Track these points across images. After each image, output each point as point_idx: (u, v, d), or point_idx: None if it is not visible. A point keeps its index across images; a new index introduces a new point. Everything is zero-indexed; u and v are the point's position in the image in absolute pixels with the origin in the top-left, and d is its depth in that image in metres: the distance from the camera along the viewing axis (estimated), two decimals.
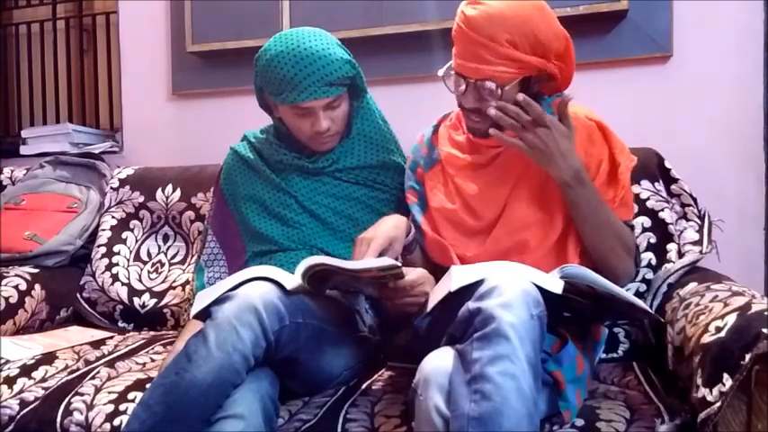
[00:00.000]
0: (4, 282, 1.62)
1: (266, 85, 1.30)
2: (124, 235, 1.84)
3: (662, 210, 1.44)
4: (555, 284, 0.98)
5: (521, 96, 1.12)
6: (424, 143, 1.38)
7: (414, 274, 1.13)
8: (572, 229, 1.21)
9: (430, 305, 1.07)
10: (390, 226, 1.19)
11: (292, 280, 1.08)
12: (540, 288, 0.95)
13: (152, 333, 1.68)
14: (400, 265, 1.06)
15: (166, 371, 1.00)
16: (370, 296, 1.23)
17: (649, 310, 1.11)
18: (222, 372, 0.97)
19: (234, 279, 1.09)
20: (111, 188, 1.90)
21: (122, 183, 1.89)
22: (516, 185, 1.24)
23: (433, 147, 1.36)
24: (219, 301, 1.04)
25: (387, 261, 1.05)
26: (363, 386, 1.23)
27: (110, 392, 1.19)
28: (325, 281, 1.13)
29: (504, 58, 1.13)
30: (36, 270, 1.74)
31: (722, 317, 0.98)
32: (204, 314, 1.06)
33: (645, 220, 1.43)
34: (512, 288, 0.91)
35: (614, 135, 1.26)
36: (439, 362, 0.94)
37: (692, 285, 1.24)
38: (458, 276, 0.98)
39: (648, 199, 1.45)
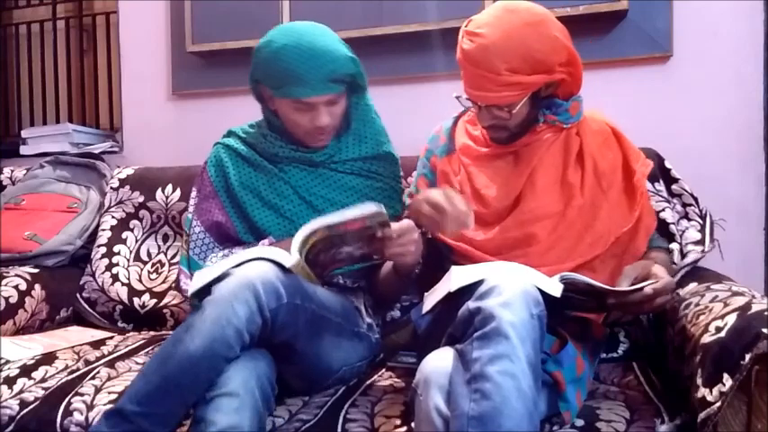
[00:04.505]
0: (4, 282, 1.62)
1: (266, 77, 1.29)
2: (124, 235, 1.84)
3: (663, 210, 1.44)
4: (554, 287, 0.98)
5: (650, 290, 1.03)
6: (443, 132, 1.41)
7: (398, 224, 1.15)
8: (596, 230, 1.20)
9: (430, 305, 1.07)
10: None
11: (290, 258, 1.08)
12: (540, 289, 0.95)
13: (152, 333, 1.68)
14: (384, 209, 1.09)
15: (167, 342, 1.03)
16: (364, 257, 1.21)
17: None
18: (214, 344, 0.99)
19: (234, 259, 1.09)
20: (111, 188, 1.90)
21: (122, 183, 1.89)
22: (531, 178, 1.25)
23: (451, 137, 1.38)
24: (218, 279, 1.05)
25: (371, 207, 1.07)
26: (363, 386, 1.23)
27: (110, 392, 1.19)
28: (316, 263, 1.14)
29: (505, 84, 1.14)
30: (36, 270, 1.74)
31: (722, 317, 0.98)
32: (203, 292, 1.06)
33: None
34: (512, 287, 0.91)
35: (629, 141, 1.29)
36: (439, 362, 0.95)
37: (692, 285, 1.24)
38: (458, 276, 0.98)
39: (649, 200, 1.44)
